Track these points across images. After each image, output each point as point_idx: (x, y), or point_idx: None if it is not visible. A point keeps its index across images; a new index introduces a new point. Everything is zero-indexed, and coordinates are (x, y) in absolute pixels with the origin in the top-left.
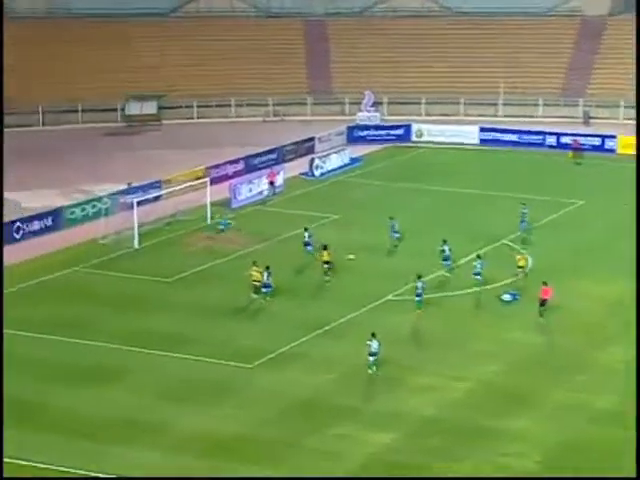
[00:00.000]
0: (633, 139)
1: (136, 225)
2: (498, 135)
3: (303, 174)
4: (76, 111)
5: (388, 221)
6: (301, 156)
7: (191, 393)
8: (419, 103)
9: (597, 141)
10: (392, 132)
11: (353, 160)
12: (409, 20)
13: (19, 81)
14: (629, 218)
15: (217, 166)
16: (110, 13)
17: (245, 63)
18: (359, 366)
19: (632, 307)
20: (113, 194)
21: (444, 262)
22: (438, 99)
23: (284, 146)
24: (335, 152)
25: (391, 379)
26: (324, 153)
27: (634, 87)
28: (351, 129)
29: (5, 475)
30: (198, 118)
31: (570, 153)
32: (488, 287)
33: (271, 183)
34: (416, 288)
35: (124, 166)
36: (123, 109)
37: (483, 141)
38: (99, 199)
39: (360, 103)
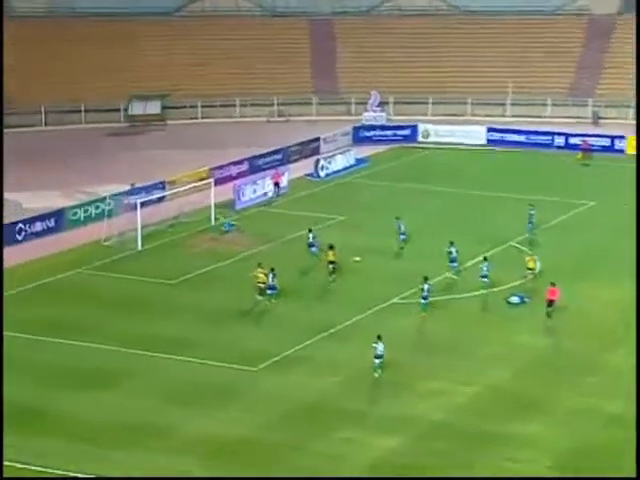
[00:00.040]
0: None
1: (139, 226)
2: (506, 136)
3: (308, 175)
4: (79, 111)
5: (395, 221)
6: (306, 157)
7: (195, 396)
8: (426, 103)
9: (606, 142)
10: (398, 132)
11: (359, 161)
12: (416, 19)
13: (21, 81)
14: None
15: (221, 167)
16: (113, 12)
17: (250, 63)
18: (365, 369)
19: None
20: (116, 195)
21: (451, 264)
22: (445, 99)
23: (289, 147)
24: (341, 153)
25: (397, 383)
26: (329, 154)
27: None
28: (357, 129)
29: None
30: (202, 118)
31: (579, 154)
32: (496, 290)
33: (276, 184)
34: (422, 290)
35: (127, 167)
36: (126, 109)
37: (490, 141)
38: (102, 200)
39: (366, 103)
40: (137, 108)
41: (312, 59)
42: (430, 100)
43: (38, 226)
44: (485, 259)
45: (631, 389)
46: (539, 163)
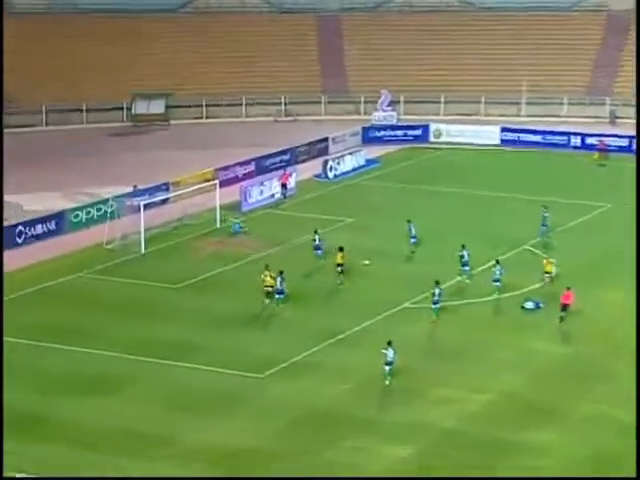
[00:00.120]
0: None
1: (143, 229)
2: (520, 135)
3: (316, 176)
4: (80, 110)
5: (406, 224)
6: (314, 157)
7: (199, 403)
8: (438, 102)
9: (624, 142)
10: (409, 132)
11: (368, 162)
12: (427, 15)
13: (21, 80)
14: None
15: (227, 168)
16: (116, 8)
17: (256, 60)
18: (375, 376)
19: None
20: (119, 197)
21: (463, 268)
22: (457, 98)
23: (297, 147)
24: (350, 153)
25: (408, 390)
26: (338, 154)
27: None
28: (366, 129)
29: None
30: (207, 118)
31: (596, 154)
32: (510, 294)
33: (283, 185)
34: (433, 295)
35: (130, 168)
36: (129, 108)
37: (504, 142)
38: (104, 202)
39: (376, 102)
40: (140, 107)
41: (320, 57)
42: (442, 99)
43: (39, 229)
44: (497, 262)
45: None
46: (554, 164)
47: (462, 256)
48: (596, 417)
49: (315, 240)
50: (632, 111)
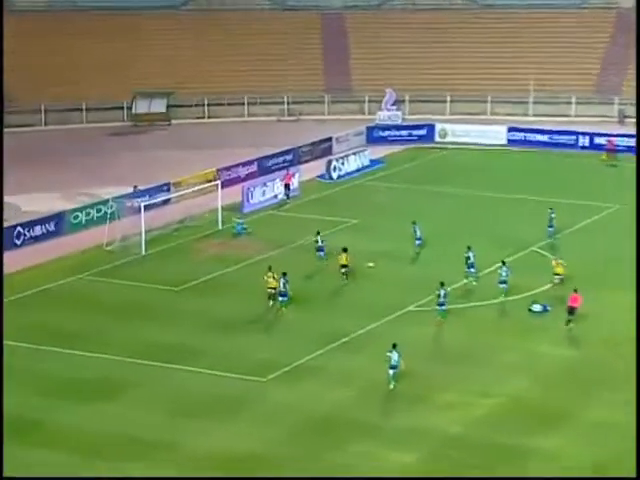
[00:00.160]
0: None
1: (143, 230)
2: (527, 135)
3: (320, 177)
4: (80, 110)
5: (411, 226)
6: (318, 158)
7: (201, 408)
8: (443, 101)
9: (633, 142)
10: (414, 132)
11: (373, 162)
12: (432, 13)
13: (20, 78)
14: None
15: (229, 168)
16: (116, 5)
17: (259, 59)
18: (379, 380)
19: None
20: (119, 197)
21: (468, 270)
22: (463, 97)
23: (300, 147)
24: (354, 153)
25: (413, 395)
26: (342, 154)
27: None
28: (371, 129)
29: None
30: (209, 117)
31: (604, 154)
32: (517, 297)
33: (286, 186)
34: (438, 296)
35: (131, 168)
36: (130, 107)
37: (511, 142)
38: (104, 203)
39: (380, 101)
40: (141, 106)
41: (324, 55)
42: (448, 98)
43: (37, 230)
44: (503, 263)
45: None
46: (562, 164)
47: (468, 258)
48: (603, 423)
49: (317, 242)
50: None
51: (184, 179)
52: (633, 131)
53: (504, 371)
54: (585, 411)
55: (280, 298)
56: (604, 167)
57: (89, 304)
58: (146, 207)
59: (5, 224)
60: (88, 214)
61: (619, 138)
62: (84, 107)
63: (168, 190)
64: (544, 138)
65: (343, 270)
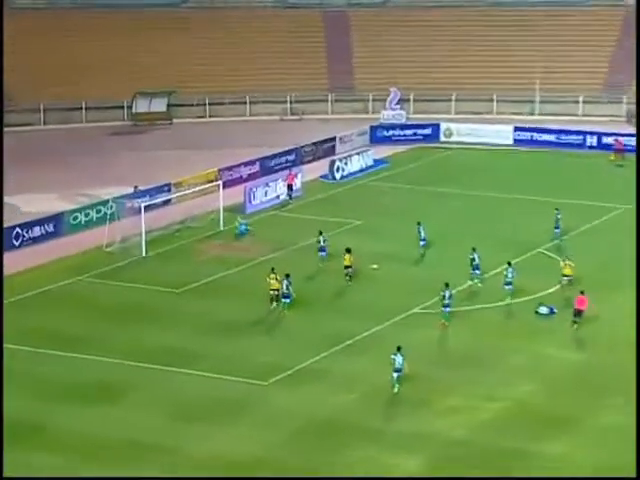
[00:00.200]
0: None
1: (144, 231)
2: (534, 135)
3: (323, 177)
4: (80, 109)
5: (415, 227)
6: (321, 158)
7: (202, 412)
8: (448, 100)
9: None
10: (419, 132)
11: (377, 162)
12: (437, 10)
13: (19, 77)
14: None
15: (231, 168)
16: (117, 3)
17: (261, 57)
18: (383, 384)
19: None
20: (119, 198)
21: (473, 271)
22: (469, 96)
23: (303, 147)
24: (357, 153)
25: (417, 398)
26: (346, 154)
27: None
28: (375, 129)
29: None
30: (210, 116)
31: (612, 154)
32: (523, 299)
33: (289, 186)
34: (443, 297)
35: (131, 168)
36: (130, 107)
37: (518, 141)
38: (104, 203)
39: (384, 100)
40: (141, 105)
41: (327, 53)
42: (453, 97)
43: (36, 231)
44: (509, 264)
45: None
46: (569, 164)
47: (473, 259)
48: (610, 428)
49: (319, 242)
50: None
51: (185, 179)
52: None
53: (510, 374)
54: (592, 416)
55: (283, 299)
56: (612, 167)
57: (89, 306)
58: (146, 208)
59: (3, 225)
60: (87, 215)
61: (627, 138)
62: (84, 106)
63: (169, 190)
64: (551, 138)
65: (346, 271)
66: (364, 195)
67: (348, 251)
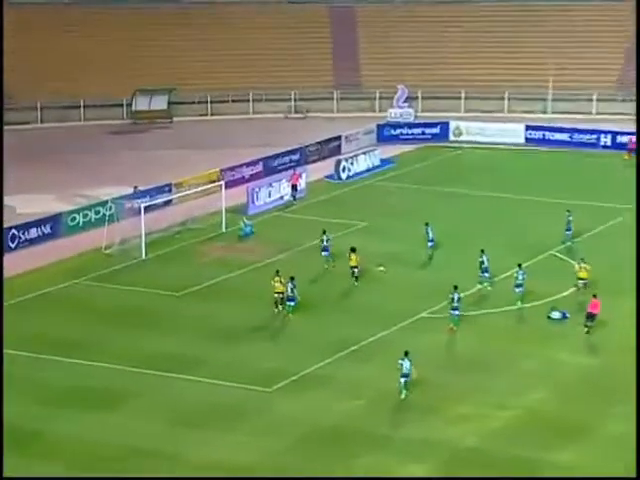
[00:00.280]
0: None
1: (143, 233)
2: (546, 134)
3: (328, 177)
4: (78, 107)
5: (423, 228)
6: (326, 157)
7: (204, 419)
8: (458, 98)
9: None
10: (427, 130)
11: (384, 162)
12: (446, 6)
13: (16, 74)
14: None
15: (233, 168)
16: None
17: (264, 54)
18: (390, 390)
19: None
20: (118, 198)
21: (482, 274)
22: (479, 93)
23: (307, 146)
24: (364, 153)
25: (425, 405)
26: (351, 154)
27: None
28: (381, 127)
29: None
30: (212, 114)
31: (626, 154)
32: (535, 303)
33: (293, 187)
34: (452, 300)
35: (131, 167)
36: (130, 104)
37: (529, 140)
38: (103, 204)
39: (392, 98)
40: (141, 103)
41: (333, 50)
42: (462, 95)
43: (33, 232)
44: (519, 267)
45: None
46: (583, 164)
47: (482, 262)
48: (622, 436)
49: (323, 241)
50: None
51: (186, 179)
52: None
53: (521, 381)
54: (604, 424)
55: (287, 303)
56: (627, 167)
57: (87, 310)
58: (146, 209)
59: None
60: (86, 216)
61: None
62: (82, 104)
63: (169, 191)
64: (564, 137)
65: (352, 271)
66: (371, 195)
67: (353, 250)
